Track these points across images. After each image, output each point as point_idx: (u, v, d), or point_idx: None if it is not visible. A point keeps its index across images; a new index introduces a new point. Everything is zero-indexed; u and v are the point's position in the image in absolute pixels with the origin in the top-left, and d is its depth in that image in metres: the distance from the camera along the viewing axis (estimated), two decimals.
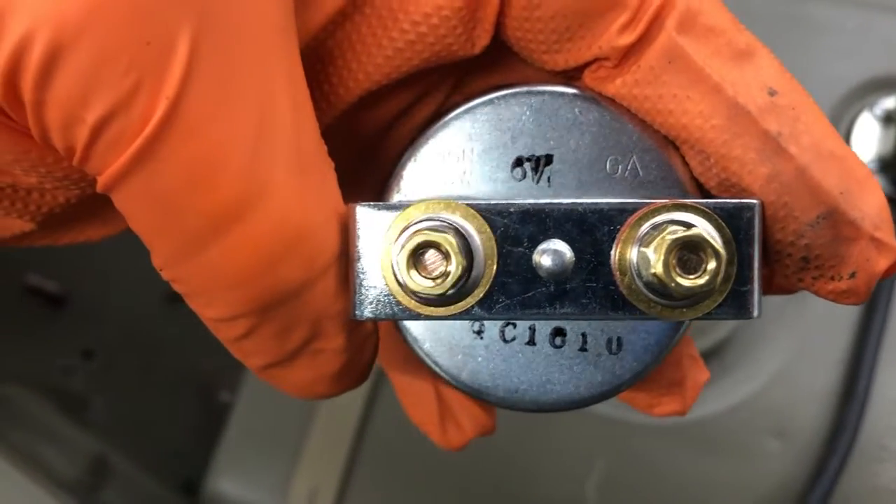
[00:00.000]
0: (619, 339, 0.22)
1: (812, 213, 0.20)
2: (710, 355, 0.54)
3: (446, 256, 0.19)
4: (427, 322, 0.22)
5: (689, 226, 0.19)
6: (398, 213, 0.20)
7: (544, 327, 0.22)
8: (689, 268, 0.19)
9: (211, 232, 0.19)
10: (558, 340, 0.22)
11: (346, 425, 0.57)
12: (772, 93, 0.21)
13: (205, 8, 0.18)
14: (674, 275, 0.19)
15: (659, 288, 0.20)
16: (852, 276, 0.21)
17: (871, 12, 0.59)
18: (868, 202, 0.21)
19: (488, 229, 0.20)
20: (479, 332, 0.22)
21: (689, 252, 0.19)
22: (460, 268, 0.19)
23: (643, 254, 0.19)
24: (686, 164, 0.22)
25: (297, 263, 0.20)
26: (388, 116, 0.24)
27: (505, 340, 0.22)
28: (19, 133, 0.21)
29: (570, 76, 0.22)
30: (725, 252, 0.19)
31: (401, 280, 0.20)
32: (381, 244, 0.20)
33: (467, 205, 0.20)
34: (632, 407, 0.26)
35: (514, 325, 0.22)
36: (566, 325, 0.22)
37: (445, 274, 0.19)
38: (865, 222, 0.21)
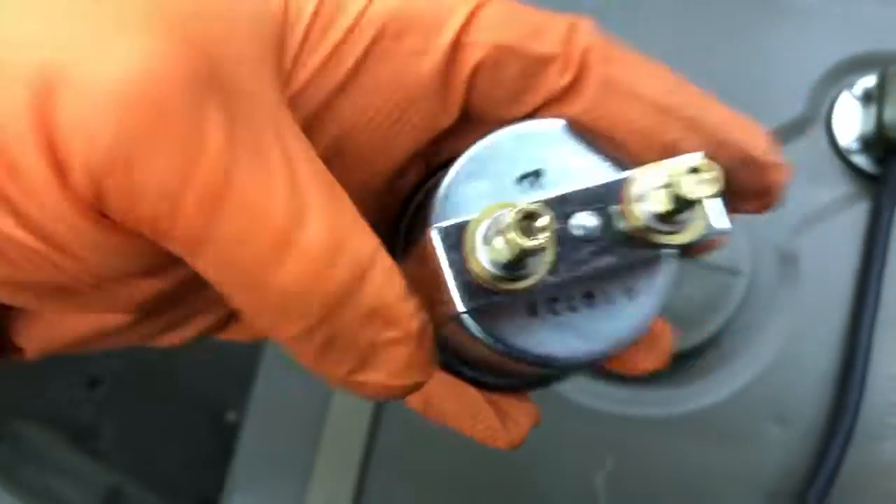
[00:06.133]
0: (631, 288, 0.28)
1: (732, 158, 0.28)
2: (706, 346, 0.55)
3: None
4: (488, 319, 0.26)
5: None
6: (473, 218, 0.25)
7: (578, 295, 0.27)
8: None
9: (276, 261, 0.23)
10: (590, 301, 0.27)
11: (355, 438, 0.58)
12: (670, 92, 0.28)
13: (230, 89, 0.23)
14: (685, 191, 0.24)
15: (676, 206, 0.25)
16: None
17: None
18: (763, 142, 0.29)
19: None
20: (534, 313, 0.27)
21: (690, 173, 0.25)
22: (552, 236, 0.24)
23: (652, 194, 0.25)
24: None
25: (345, 263, 0.24)
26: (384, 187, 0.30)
27: (555, 313, 0.27)
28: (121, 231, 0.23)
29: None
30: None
31: (495, 261, 0.24)
32: (465, 243, 0.25)
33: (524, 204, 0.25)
34: (611, 367, 0.32)
35: (557, 300, 0.27)
36: (592, 289, 0.27)
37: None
38: (768, 156, 0.29)
